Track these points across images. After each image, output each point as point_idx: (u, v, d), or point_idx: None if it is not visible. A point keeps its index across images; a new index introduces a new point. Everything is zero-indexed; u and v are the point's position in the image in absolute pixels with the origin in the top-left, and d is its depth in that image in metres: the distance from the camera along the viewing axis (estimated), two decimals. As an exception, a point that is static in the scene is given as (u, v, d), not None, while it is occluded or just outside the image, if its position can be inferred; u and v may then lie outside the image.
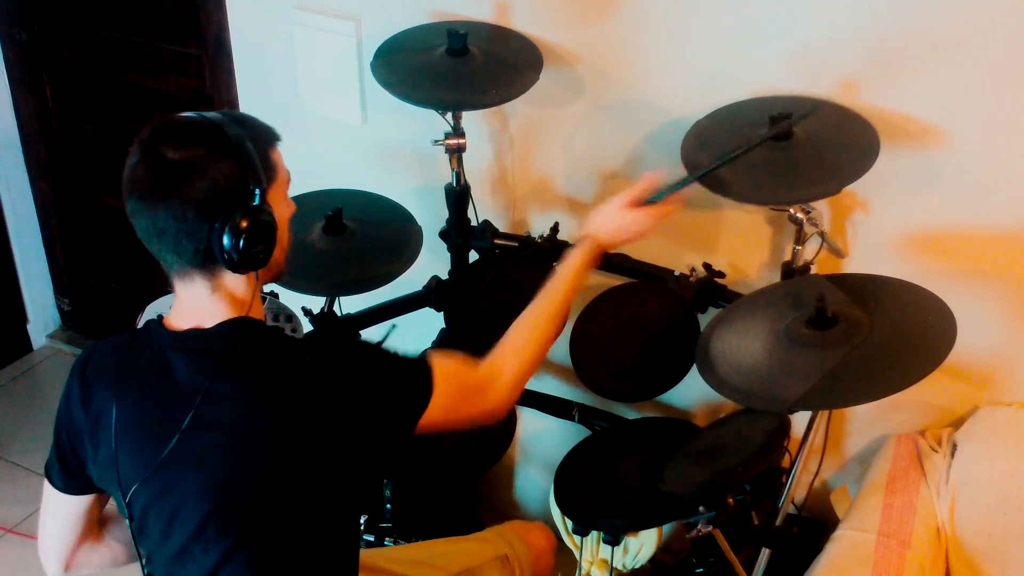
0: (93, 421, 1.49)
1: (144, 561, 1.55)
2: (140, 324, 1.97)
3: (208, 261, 1.41)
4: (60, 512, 1.61)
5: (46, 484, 1.59)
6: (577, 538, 2.20)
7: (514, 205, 2.52)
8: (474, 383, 1.59)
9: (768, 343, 1.77)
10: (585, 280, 1.77)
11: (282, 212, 1.49)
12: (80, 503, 1.59)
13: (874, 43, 1.97)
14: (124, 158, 1.41)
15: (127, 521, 1.53)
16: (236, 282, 1.46)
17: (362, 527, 2.18)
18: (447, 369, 1.54)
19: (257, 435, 1.40)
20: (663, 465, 1.92)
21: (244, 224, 1.38)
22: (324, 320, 2.25)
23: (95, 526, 1.64)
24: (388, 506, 2.29)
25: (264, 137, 1.47)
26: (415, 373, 1.51)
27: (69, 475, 1.57)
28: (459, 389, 1.55)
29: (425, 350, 1.56)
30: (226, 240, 1.38)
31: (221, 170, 1.38)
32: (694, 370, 1.82)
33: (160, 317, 1.49)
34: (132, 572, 1.63)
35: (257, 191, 1.40)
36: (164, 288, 1.83)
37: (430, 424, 1.51)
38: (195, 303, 1.46)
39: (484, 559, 1.96)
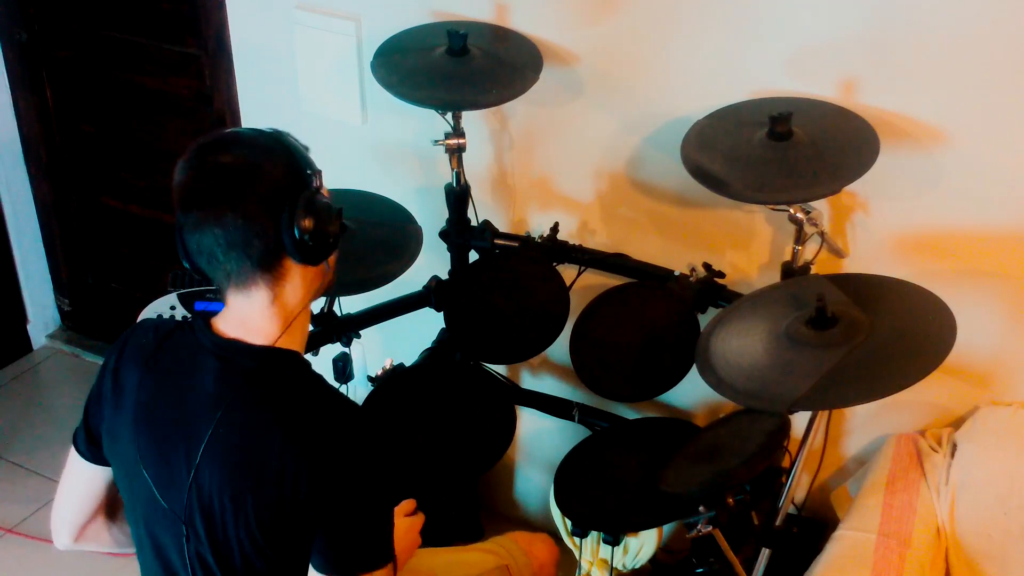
0: (117, 392, 1.52)
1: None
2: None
3: (276, 261, 1.43)
4: (80, 480, 1.63)
5: (71, 451, 1.62)
6: (577, 538, 2.20)
7: (514, 205, 2.52)
8: None
9: (768, 343, 1.77)
10: None
11: None
12: (100, 474, 1.61)
13: (874, 43, 1.97)
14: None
15: (128, 502, 1.56)
16: (294, 294, 1.47)
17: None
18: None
19: (252, 469, 1.40)
20: (663, 465, 1.92)
21: (309, 208, 1.41)
22: (324, 320, 2.25)
23: (112, 503, 1.65)
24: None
25: (301, 144, 1.50)
26: (390, 534, 1.47)
27: (91, 442, 1.59)
28: None
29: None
30: (296, 229, 1.40)
31: (278, 165, 1.42)
32: (694, 370, 1.82)
33: (208, 318, 1.50)
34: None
35: (311, 177, 1.44)
36: (164, 288, 1.84)
37: None
38: (246, 315, 1.46)
39: (484, 569, 1.95)
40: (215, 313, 1.50)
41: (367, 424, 1.48)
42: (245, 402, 1.43)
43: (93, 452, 1.59)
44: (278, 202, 1.40)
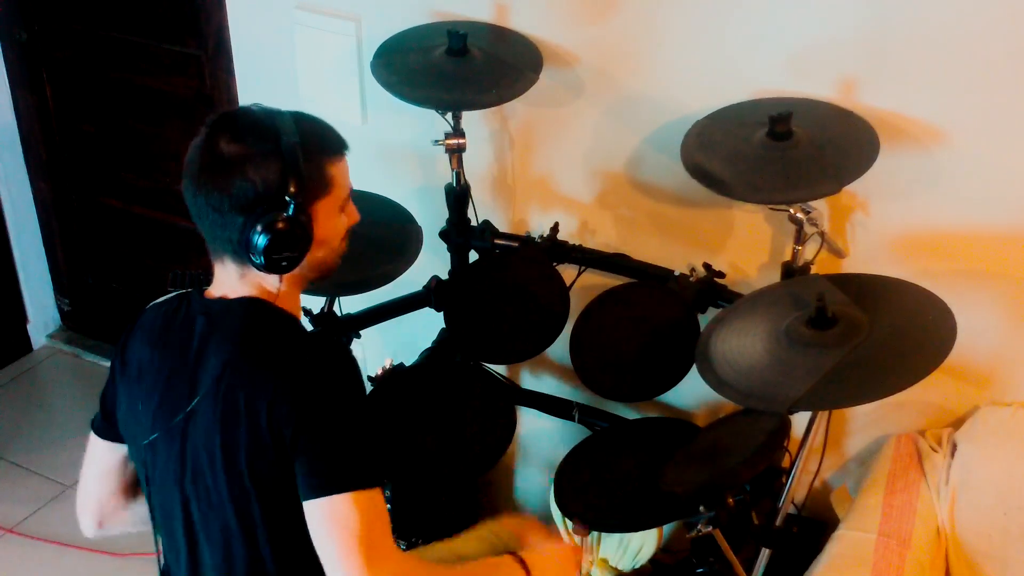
0: (123, 371, 1.59)
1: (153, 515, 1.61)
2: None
3: (239, 253, 1.47)
4: (98, 461, 1.68)
5: (91, 435, 1.67)
6: (577, 538, 2.20)
7: (514, 205, 2.52)
8: (387, 541, 1.51)
9: (768, 343, 1.77)
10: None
11: (335, 223, 1.52)
12: (116, 453, 1.66)
13: (873, 43, 1.97)
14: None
15: (140, 472, 1.61)
16: (268, 276, 1.50)
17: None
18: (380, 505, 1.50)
19: (235, 406, 1.44)
20: (663, 465, 1.92)
21: (271, 230, 1.42)
22: (324, 320, 2.25)
23: (130, 483, 1.69)
24: (388, 506, 2.29)
25: (322, 148, 1.50)
26: (377, 456, 1.49)
27: (105, 418, 1.65)
28: (379, 523, 1.48)
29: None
30: (252, 241, 1.43)
31: (262, 173, 1.42)
32: (694, 370, 1.82)
33: (203, 287, 1.56)
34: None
35: (292, 202, 1.43)
36: (164, 288, 1.84)
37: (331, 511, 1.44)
38: (224, 280, 1.52)
39: (474, 555, 1.95)
40: None
41: (336, 352, 1.51)
42: (225, 355, 1.47)
43: (103, 427, 1.65)
44: (247, 208, 1.42)
